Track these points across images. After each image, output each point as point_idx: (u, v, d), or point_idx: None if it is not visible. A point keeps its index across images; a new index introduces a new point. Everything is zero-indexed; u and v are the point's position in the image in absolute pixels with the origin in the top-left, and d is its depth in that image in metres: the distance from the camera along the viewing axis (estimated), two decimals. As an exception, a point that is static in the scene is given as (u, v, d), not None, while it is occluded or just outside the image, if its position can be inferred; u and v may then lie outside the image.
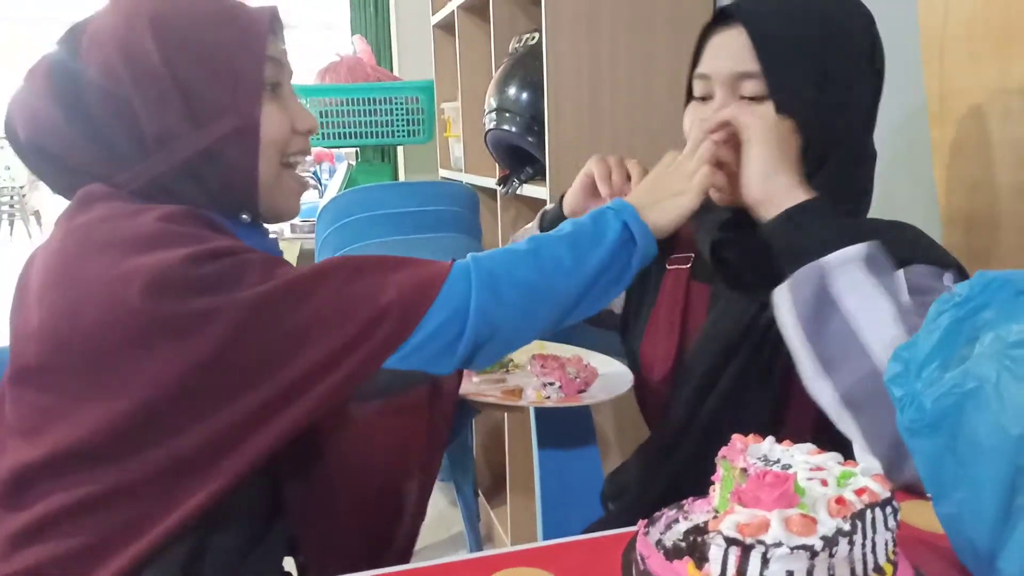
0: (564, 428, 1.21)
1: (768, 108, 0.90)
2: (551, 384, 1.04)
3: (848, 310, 0.74)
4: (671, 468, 1.02)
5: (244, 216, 0.85)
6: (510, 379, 1.11)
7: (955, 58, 1.01)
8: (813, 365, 0.76)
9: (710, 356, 0.97)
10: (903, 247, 0.85)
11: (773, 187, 0.84)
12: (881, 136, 0.95)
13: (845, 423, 0.74)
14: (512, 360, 1.15)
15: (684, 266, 1.06)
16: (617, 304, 1.15)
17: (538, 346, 1.17)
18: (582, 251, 0.82)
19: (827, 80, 0.90)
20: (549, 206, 1.15)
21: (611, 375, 1.10)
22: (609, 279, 0.84)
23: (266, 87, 0.82)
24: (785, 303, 0.79)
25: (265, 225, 0.91)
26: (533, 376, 1.07)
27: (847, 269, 0.75)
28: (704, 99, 0.96)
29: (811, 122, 0.89)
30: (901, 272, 0.79)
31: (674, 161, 0.90)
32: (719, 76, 0.93)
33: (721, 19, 0.94)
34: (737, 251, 0.96)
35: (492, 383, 1.09)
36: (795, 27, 0.91)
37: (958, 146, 1.03)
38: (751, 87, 0.90)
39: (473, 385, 1.08)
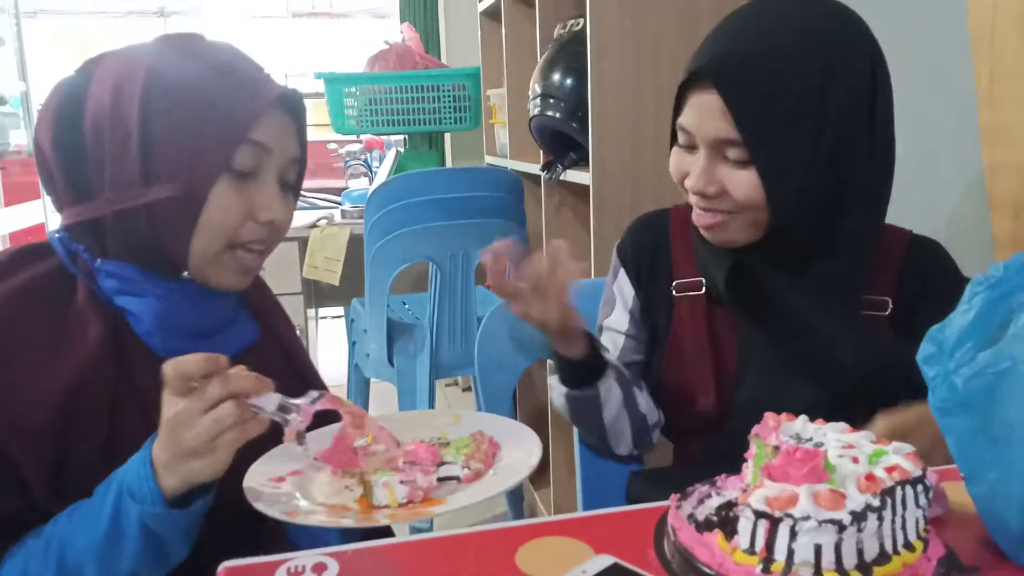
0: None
1: (751, 176, 0.85)
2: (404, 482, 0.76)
3: None
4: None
5: (185, 273, 0.84)
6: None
7: (1005, 40, 0.98)
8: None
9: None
10: None
11: None
12: (927, 121, 0.93)
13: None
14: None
15: (698, 292, 1.00)
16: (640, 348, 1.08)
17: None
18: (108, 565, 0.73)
19: (821, 136, 0.84)
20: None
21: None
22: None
23: (231, 170, 0.80)
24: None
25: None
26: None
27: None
28: (689, 148, 0.91)
29: (808, 182, 0.85)
30: None
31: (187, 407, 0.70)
32: (701, 136, 0.88)
33: (696, 78, 0.87)
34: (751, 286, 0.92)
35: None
36: (776, 81, 0.83)
37: (1007, 129, 1.00)
38: (735, 153, 0.86)
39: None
